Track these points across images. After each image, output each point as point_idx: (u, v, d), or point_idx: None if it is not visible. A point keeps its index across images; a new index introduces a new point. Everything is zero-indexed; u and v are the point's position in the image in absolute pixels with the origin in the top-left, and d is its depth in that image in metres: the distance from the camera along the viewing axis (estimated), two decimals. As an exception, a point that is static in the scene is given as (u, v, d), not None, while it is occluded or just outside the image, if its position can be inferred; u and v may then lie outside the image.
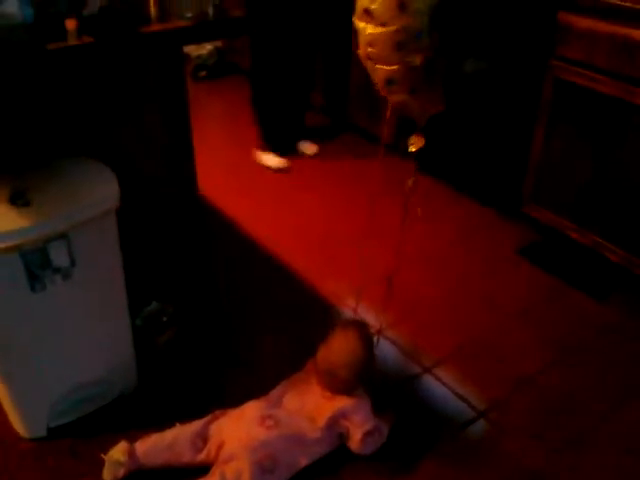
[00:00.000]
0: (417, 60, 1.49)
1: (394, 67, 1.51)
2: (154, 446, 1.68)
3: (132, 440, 1.70)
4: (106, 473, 1.66)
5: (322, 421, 1.72)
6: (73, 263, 1.59)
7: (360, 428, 1.72)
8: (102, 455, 1.67)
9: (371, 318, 2.12)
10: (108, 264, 1.73)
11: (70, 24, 1.66)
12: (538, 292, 2.46)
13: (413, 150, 1.70)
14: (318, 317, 2.26)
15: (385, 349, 2.15)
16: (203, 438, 1.70)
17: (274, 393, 1.84)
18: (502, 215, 2.88)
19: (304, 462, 1.69)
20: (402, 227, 1.83)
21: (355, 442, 1.72)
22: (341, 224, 2.84)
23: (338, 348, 1.81)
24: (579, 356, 2.15)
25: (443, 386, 2.02)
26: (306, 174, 3.33)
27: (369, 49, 1.51)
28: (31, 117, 1.74)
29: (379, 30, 1.46)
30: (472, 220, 2.91)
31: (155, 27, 1.86)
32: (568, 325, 2.28)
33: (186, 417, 1.77)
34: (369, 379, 1.84)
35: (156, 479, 1.66)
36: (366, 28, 1.48)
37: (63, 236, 1.54)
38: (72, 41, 1.67)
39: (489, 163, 2.87)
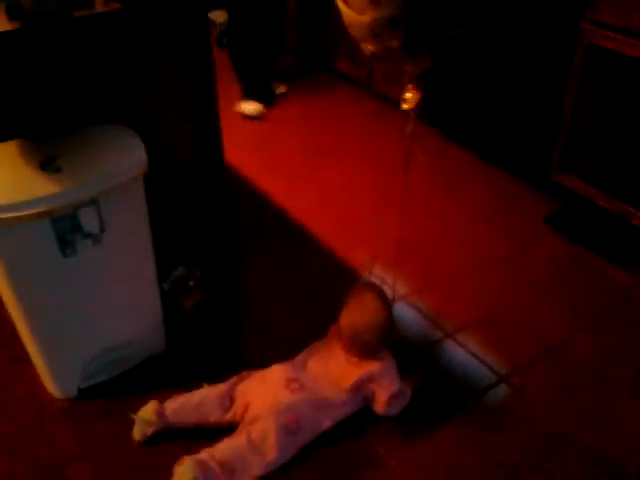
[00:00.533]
0: (394, 44, 1.50)
1: (374, 48, 1.53)
2: (182, 406, 1.73)
3: (161, 400, 1.75)
4: (136, 431, 1.72)
5: (347, 384, 1.75)
6: (103, 228, 1.62)
7: (386, 390, 1.75)
8: (132, 414, 1.73)
9: (385, 279, 2.13)
10: (136, 229, 1.76)
11: (97, -9, 1.67)
12: (564, 261, 2.45)
13: (406, 107, 1.68)
14: (336, 279, 2.30)
15: (408, 315, 2.17)
16: (230, 398, 1.75)
17: (299, 358, 1.87)
18: (529, 184, 2.85)
19: (328, 424, 1.73)
20: (404, 177, 1.82)
21: (381, 404, 1.75)
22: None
23: (359, 312, 1.83)
24: (604, 325, 2.14)
25: (465, 351, 2.03)
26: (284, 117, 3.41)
27: (349, 29, 1.53)
28: (60, 84, 1.76)
29: (355, 16, 1.48)
30: (499, 189, 2.88)
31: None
32: (594, 294, 2.27)
33: (213, 378, 1.82)
34: (392, 339, 1.87)
35: (184, 436, 1.71)
36: (344, 10, 1.50)
37: (93, 202, 1.57)
38: (99, 8, 1.68)
39: (518, 131, 2.83)
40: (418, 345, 2.06)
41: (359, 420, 1.78)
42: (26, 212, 1.47)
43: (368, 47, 1.55)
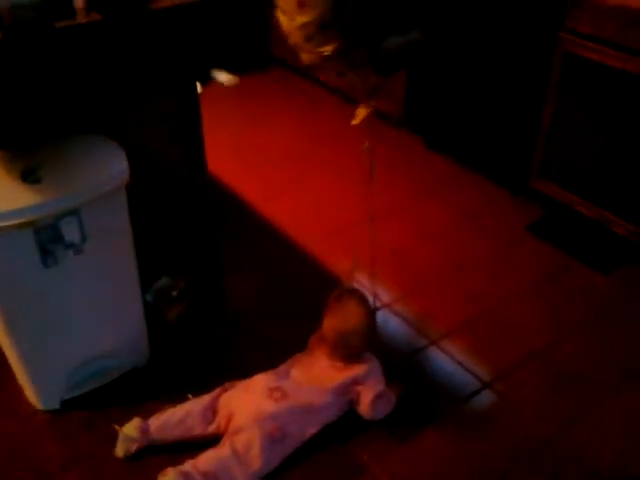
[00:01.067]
0: (328, 50, 1.52)
1: (312, 56, 1.55)
2: (166, 422, 1.71)
3: (145, 414, 1.74)
4: (119, 449, 1.70)
5: (332, 386, 1.76)
6: (84, 239, 1.62)
7: (371, 390, 1.76)
8: (116, 426, 1.72)
9: (367, 287, 2.14)
10: (119, 239, 1.76)
11: (79, 2, 1.67)
12: (545, 267, 2.47)
13: (357, 122, 1.70)
14: (320, 287, 2.28)
15: (392, 322, 2.18)
16: (213, 410, 1.74)
17: (282, 367, 1.87)
18: (511, 191, 2.88)
19: (312, 430, 1.73)
20: (370, 188, 1.86)
21: (366, 404, 1.76)
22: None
23: (342, 316, 1.84)
24: (585, 330, 2.16)
25: (449, 358, 2.04)
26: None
27: (289, 39, 1.58)
28: (41, 95, 1.76)
29: (289, 23, 1.52)
30: (481, 196, 2.91)
31: (165, 3, 1.86)
32: (575, 299, 2.30)
33: (196, 389, 1.82)
34: (375, 343, 1.88)
35: (168, 448, 1.70)
36: (281, 18, 1.55)
37: (74, 212, 1.56)
38: (80, 19, 1.68)
39: (499, 139, 2.86)
40: (402, 353, 2.07)
41: (343, 427, 1.78)
42: (7, 223, 1.46)
43: (305, 56, 1.58)
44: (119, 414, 1.79)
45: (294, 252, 2.53)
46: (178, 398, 1.80)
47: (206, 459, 1.61)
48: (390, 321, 2.18)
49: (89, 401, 1.87)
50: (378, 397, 1.76)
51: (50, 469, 1.69)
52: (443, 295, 2.32)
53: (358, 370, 1.80)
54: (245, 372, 1.85)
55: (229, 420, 1.70)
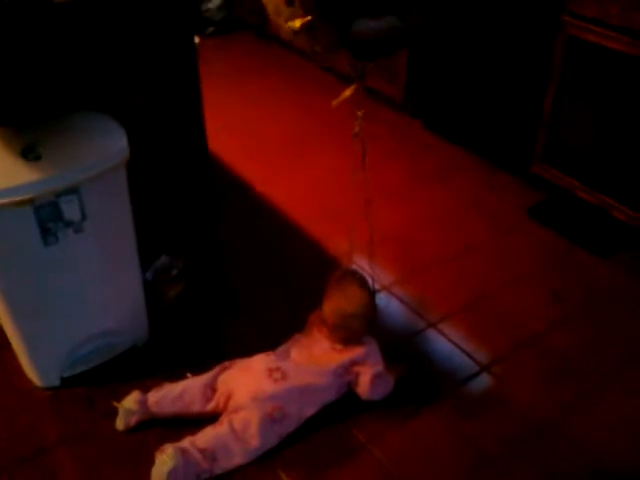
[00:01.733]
0: (296, 25, 1.50)
1: (285, 29, 1.54)
2: (165, 396, 1.73)
3: (144, 390, 1.75)
4: (119, 421, 1.72)
5: (331, 367, 1.76)
6: (84, 217, 1.62)
7: (370, 370, 1.76)
8: (115, 403, 1.73)
9: (365, 269, 2.14)
10: (119, 218, 1.75)
11: (78, -23, 1.65)
12: (545, 251, 2.47)
13: (336, 104, 1.69)
14: (319, 267, 2.30)
15: (391, 305, 2.19)
16: (212, 388, 1.75)
17: (282, 348, 1.88)
18: (511, 176, 2.87)
19: (311, 411, 1.74)
20: (364, 174, 1.86)
21: (364, 385, 1.77)
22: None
23: (344, 298, 1.84)
24: (584, 315, 2.17)
25: (448, 341, 2.05)
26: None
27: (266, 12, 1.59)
28: (41, 71, 1.75)
29: None
30: (481, 180, 2.90)
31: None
32: (574, 284, 2.30)
33: (195, 368, 1.82)
34: (374, 325, 1.89)
35: (167, 424, 1.72)
36: None
37: (74, 190, 1.56)
38: (79, -5, 1.67)
39: (501, 123, 2.85)
40: (401, 335, 2.07)
41: (341, 408, 1.79)
42: (7, 200, 1.46)
43: (282, 31, 1.57)
44: (118, 391, 1.80)
45: (292, 233, 2.53)
46: (177, 376, 1.81)
47: (204, 436, 1.63)
48: (389, 303, 2.19)
49: (89, 378, 1.88)
50: (376, 377, 1.77)
51: (49, 445, 1.71)
52: (442, 278, 2.33)
53: (357, 351, 1.80)
54: (243, 352, 1.85)
55: (228, 399, 1.71)
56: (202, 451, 1.58)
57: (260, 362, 1.79)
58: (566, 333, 2.09)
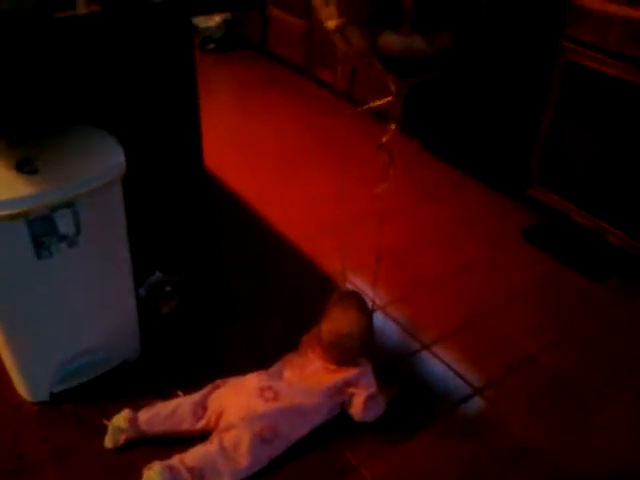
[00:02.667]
0: (331, 25, 1.50)
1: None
2: (156, 414, 1.71)
3: (135, 408, 1.73)
4: (108, 439, 1.70)
5: (323, 388, 1.75)
6: (79, 231, 1.61)
7: (364, 392, 1.75)
8: (105, 421, 1.71)
9: (364, 290, 2.14)
10: (113, 233, 1.75)
11: (79, -8, 1.66)
12: (540, 273, 2.48)
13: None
14: (314, 286, 2.31)
15: (385, 326, 2.18)
16: (203, 406, 1.73)
17: (274, 367, 1.86)
18: (508, 198, 2.88)
19: (303, 431, 1.72)
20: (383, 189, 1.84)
21: (358, 406, 1.75)
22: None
23: (342, 318, 1.83)
24: (577, 337, 2.16)
25: (441, 363, 2.04)
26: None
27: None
28: (38, 85, 1.75)
29: None
30: (478, 202, 2.91)
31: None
32: (568, 307, 2.30)
33: (187, 385, 1.81)
34: (371, 347, 1.88)
35: (157, 442, 1.70)
36: None
37: (69, 204, 1.55)
38: (80, 10, 1.67)
39: (498, 145, 2.87)
40: (395, 356, 2.06)
41: (332, 430, 1.77)
42: (1, 212, 1.45)
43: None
44: (108, 408, 1.78)
45: (288, 250, 2.53)
46: (168, 394, 1.80)
47: (193, 454, 1.61)
48: (383, 324, 2.18)
49: (79, 394, 1.86)
50: (370, 399, 1.76)
51: (37, 460, 1.68)
52: (437, 299, 2.32)
53: (350, 372, 1.79)
54: (236, 370, 1.84)
55: (219, 417, 1.70)
56: (190, 469, 1.56)
57: (252, 381, 1.78)
58: (558, 355, 2.09)
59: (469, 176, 3.05)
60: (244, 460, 1.61)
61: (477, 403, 1.92)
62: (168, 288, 2.11)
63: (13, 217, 1.47)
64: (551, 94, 2.51)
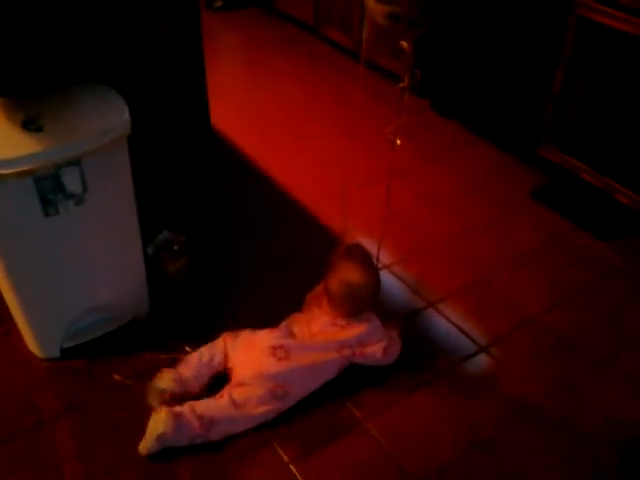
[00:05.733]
0: None
1: None
2: (195, 363, 1.75)
3: (143, 364, 1.79)
4: (152, 398, 1.70)
5: (333, 345, 1.78)
6: (85, 189, 1.62)
7: (380, 344, 1.80)
8: (115, 376, 1.74)
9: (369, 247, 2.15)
10: (120, 191, 1.75)
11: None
12: (547, 234, 2.47)
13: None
14: (320, 245, 2.30)
15: (392, 284, 2.19)
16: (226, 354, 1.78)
17: (283, 325, 1.87)
18: (516, 158, 2.86)
19: (314, 388, 1.75)
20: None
21: (377, 359, 1.80)
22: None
23: (351, 270, 1.84)
24: (584, 298, 2.17)
25: (447, 321, 2.05)
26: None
27: None
28: (43, 42, 1.74)
29: None
30: (486, 162, 2.89)
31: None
32: (575, 267, 2.30)
33: (195, 342, 1.84)
34: (377, 299, 1.91)
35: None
36: None
37: (75, 162, 1.56)
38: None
39: (508, 104, 2.83)
40: (400, 314, 2.08)
41: (339, 385, 1.80)
42: (7, 170, 1.46)
43: None
44: (118, 363, 1.82)
45: (292, 210, 2.54)
46: (176, 350, 1.83)
47: (204, 404, 1.65)
48: (390, 282, 2.19)
49: (89, 350, 1.89)
50: (387, 349, 1.81)
51: (48, 416, 1.72)
52: (443, 259, 2.33)
53: (361, 329, 1.81)
54: (242, 327, 1.86)
55: (230, 372, 1.73)
56: (200, 417, 1.60)
57: (264, 339, 1.79)
58: (564, 314, 2.09)
59: (478, 136, 3.02)
60: (254, 413, 1.65)
61: (482, 360, 1.94)
62: (176, 247, 2.13)
63: (20, 175, 1.48)
64: (564, 50, 2.46)
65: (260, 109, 3.31)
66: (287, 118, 3.22)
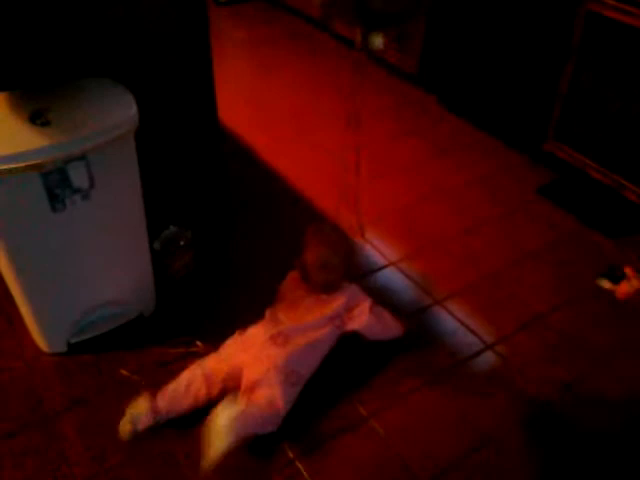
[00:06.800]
0: None
1: None
2: (173, 397, 1.67)
3: (150, 359, 1.79)
4: (125, 428, 1.63)
5: (325, 318, 1.81)
6: (92, 184, 1.61)
7: (365, 304, 1.86)
8: (122, 371, 1.75)
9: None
10: (127, 186, 1.75)
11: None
12: (555, 231, 2.46)
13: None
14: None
15: (398, 281, 2.18)
16: (214, 373, 1.71)
17: (269, 313, 1.87)
18: (522, 155, 2.85)
19: (315, 365, 1.77)
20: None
21: (364, 319, 1.84)
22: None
23: (323, 243, 1.91)
24: (590, 296, 2.16)
25: (453, 318, 2.05)
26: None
27: None
28: (50, 35, 1.73)
29: None
30: (493, 158, 2.87)
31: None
32: (582, 265, 2.29)
33: (201, 338, 1.85)
34: (352, 267, 2.00)
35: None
36: None
37: (82, 157, 1.56)
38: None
39: (516, 100, 2.82)
40: (406, 311, 2.07)
41: (345, 382, 1.80)
42: (14, 165, 1.45)
43: None
44: (124, 359, 1.82)
45: (297, 203, 2.54)
46: (187, 344, 1.84)
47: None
48: (396, 279, 2.18)
49: (95, 345, 1.90)
50: (373, 308, 1.86)
51: (53, 410, 1.72)
52: (449, 255, 2.32)
53: (344, 297, 1.86)
54: (249, 321, 1.85)
55: (238, 377, 1.70)
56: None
57: (259, 333, 1.78)
58: (571, 313, 2.08)
59: (485, 133, 3.00)
60: (281, 407, 1.64)
61: (488, 358, 1.93)
62: (182, 242, 2.12)
63: (26, 169, 1.48)
64: (572, 45, 2.45)
65: (265, 102, 3.30)
66: (293, 111, 3.21)
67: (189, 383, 1.69)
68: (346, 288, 1.90)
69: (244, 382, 1.69)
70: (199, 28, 2.06)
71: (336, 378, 1.80)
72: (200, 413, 1.65)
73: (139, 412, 1.64)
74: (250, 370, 1.70)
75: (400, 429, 1.71)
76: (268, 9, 4.44)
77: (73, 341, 1.88)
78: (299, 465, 1.61)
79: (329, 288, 1.87)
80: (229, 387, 1.71)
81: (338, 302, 1.85)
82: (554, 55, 2.54)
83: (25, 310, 1.82)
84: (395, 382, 1.82)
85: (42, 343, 1.87)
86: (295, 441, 1.66)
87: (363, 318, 1.84)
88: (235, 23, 4.29)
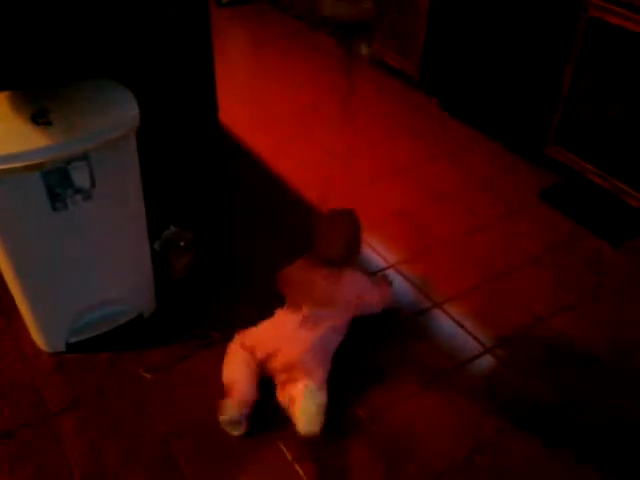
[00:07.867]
0: None
1: None
2: (241, 388, 1.71)
3: (149, 359, 1.79)
4: (235, 431, 1.68)
5: (346, 304, 1.88)
6: (93, 184, 1.61)
7: (375, 291, 1.99)
8: (143, 372, 1.79)
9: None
10: (128, 186, 1.75)
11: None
12: (555, 235, 2.46)
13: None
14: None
15: (398, 283, 2.18)
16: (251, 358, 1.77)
17: (289, 301, 1.90)
18: (523, 158, 2.85)
19: (340, 339, 1.85)
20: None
21: (376, 301, 1.97)
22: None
23: (336, 223, 1.99)
24: (591, 301, 2.16)
25: (452, 321, 2.05)
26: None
27: None
28: (53, 36, 1.73)
29: None
30: (494, 161, 2.88)
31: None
32: (582, 269, 2.28)
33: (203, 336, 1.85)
34: (359, 250, 2.05)
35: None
36: None
37: (84, 157, 1.56)
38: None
39: (517, 104, 2.82)
40: (406, 313, 2.07)
41: (343, 385, 1.80)
42: (16, 164, 1.45)
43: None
44: (123, 359, 1.81)
45: (297, 204, 2.54)
46: (181, 345, 1.85)
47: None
48: (396, 282, 2.18)
49: (94, 345, 1.89)
50: (381, 291, 2.00)
51: (51, 410, 1.72)
52: (449, 258, 2.32)
53: (352, 286, 1.92)
54: (250, 323, 1.86)
55: (271, 361, 1.74)
56: None
57: (287, 318, 1.83)
58: (571, 317, 2.08)
59: (486, 136, 3.01)
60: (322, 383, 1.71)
61: (487, 361, 1.93)
62: (183, 243, 2.12)
63: (28, 169, 1.48)
64: (573, 50, 2.45)
65: (266, 103, 3.30)
66: (293, 112, 3.22)
67: (245, 368, 1.75)
68: (353, 275, 1.95)
69: (275, 364, 1.73)
70: (201, 29, 2.06)
71: (335, 381, 1.79)
72: (200, 413, 1.66)
73: (233, 415, 1.65)
74: (285, 353, 1.73)
75: (399, 432, 1.71)
76: (269, 10, 4.44)
77: (71, 341, 1.88)
78: (297, 468, 1.61)
79: (342, 262, 1.92)
80: (266, 370, 1.76)
81: (349, 290, 1.91)
82: (555, 60, 2.54)
83: (24, 308, 1.82)
84: (394, 385, 1.82)
85: (41, 342, 1.87)
86: (294, 443, 1.66)
87: (372, 303, 1.96)
88: (236, 24, 4.29)
